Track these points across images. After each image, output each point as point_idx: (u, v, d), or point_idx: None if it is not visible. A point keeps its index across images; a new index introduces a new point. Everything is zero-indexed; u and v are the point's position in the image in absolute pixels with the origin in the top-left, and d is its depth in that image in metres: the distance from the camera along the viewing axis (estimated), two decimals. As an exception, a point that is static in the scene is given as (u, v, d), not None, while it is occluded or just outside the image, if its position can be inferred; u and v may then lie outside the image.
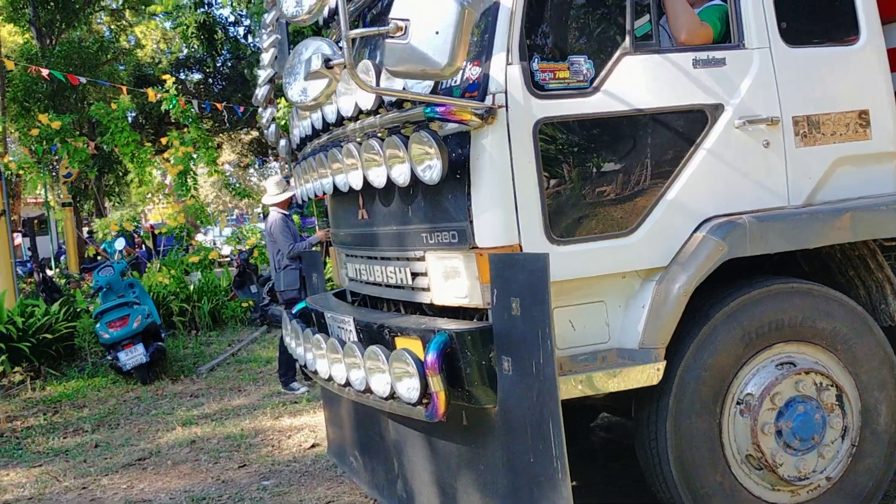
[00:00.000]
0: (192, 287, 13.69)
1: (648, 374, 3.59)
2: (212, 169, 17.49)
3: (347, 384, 4.08)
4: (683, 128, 3.75)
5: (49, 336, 10.24)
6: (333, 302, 5.09)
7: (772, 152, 3.87)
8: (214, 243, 19.15)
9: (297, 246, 8.30)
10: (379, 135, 3.84)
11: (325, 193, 4.59)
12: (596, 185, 3.65)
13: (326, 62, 3.23)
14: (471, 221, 3.56)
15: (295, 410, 7.65)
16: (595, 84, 3.62)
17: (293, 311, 5.31)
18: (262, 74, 5.17)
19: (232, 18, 17.37)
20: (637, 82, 3.67)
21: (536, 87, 3.54)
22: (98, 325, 9.60)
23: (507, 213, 3.52)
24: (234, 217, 38.13)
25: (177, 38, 26.35)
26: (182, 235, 17.62)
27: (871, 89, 4.06)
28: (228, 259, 19.32)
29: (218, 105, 19.90)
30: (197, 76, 28.53)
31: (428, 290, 3.91)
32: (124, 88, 18.78)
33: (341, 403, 5.29)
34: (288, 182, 9.10)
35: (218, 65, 27.24)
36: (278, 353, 8.49)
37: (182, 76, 26.57)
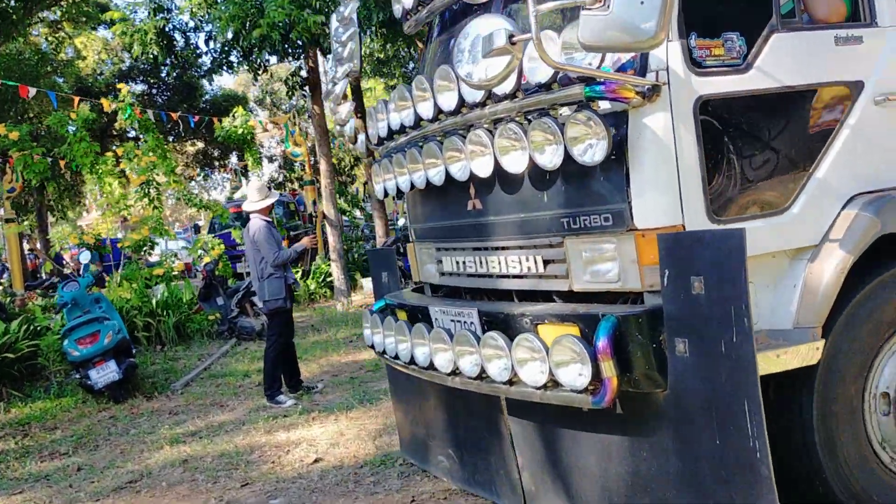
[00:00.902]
0: (155, 301, 13.29)
1: (809, 354, 3.54)
2: (171, 179, 17.05)
3: (479, 377, 3.95)
4: (829, 105, 3.74)
5: (11, 356, 9.77)
6: (426, 297, 4.95)
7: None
8: (176, 255, 18.65)
9: (282, 254, 8.04)
10: (516, 119, 3.73)
11: (422, 186, 4.45)
12: (752, 163, 3.60)
13: (510, 38, 3.12)
14: (629, 203, 3.47)
15: (288, 424, 7.38)
16: (748, 61, 3.58)
17: (372, 309, 5.14)
18: (340, 69, 5.02)
19: (192, 24, 16.85)
20: (786, 59, 3.64)
21: (695, 64, 3.49)
22: (66, 342, 9.15)
23: (670, 193, 3.44)
24: (182, 230, 37.24)
25: (119, 48, 25.67)
26: (144, 248, 17.12)
27: None
28: (189, 271, 18.92)
29: (173, 115, 19.46)
30: (140, 87, 27.85)
31: (566, 276, 3.81)
32: (76, 99, 18.22)
33: (428, 401, 5.16)
34: (270, 188, 8.87)
35: (163, 75, 26.65)
36: (265, 366, 8.20)
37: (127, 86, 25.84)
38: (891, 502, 3.79)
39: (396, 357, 4.70)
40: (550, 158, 3.58)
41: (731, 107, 3.55)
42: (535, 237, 3.94)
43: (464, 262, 4.51)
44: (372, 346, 5.11)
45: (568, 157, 3.52)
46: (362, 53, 17.86)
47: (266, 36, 14.21)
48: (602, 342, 3.34)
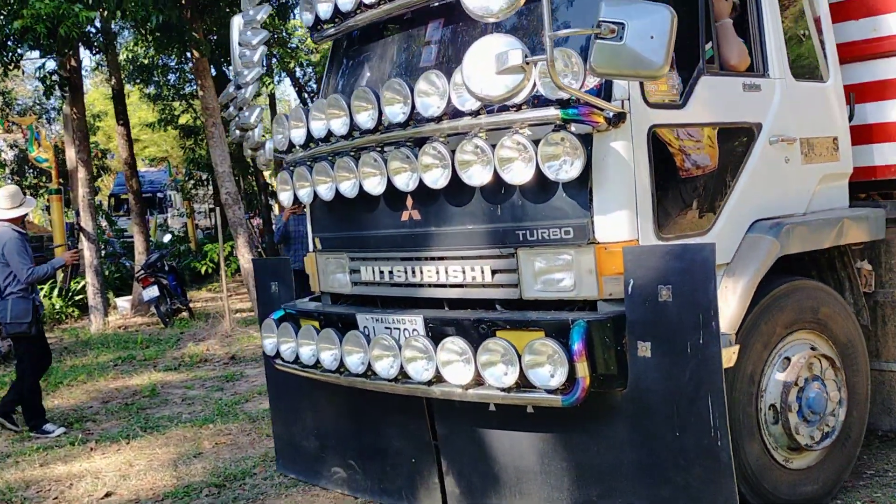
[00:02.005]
0: None
1: (727, 357, 4.04)
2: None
3: (431, 382, 4.11)
4: (739, 141, 4.34)
5: None
6: (335, 307, 5.00)
7: (789, 167, 4.58)
8: None
9: (36, 270, 7.35)
10: (480, 135, 3.96)
11: (352, 195, 4.55)
12: (685, 187, 4.10)
13: (525, 58, 3.36)
14: (591, 218, 3.83)
15: (64, 456, 6.72)
16: (684, 98, 4.08)
17: (274, 318, 5.11)
18: (250, 73, 4.99)
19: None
20: (710, 99, 4.19)
21: (647, 97, 3.92)
22: None
23: (629, 211, 3.85)
24: None
25: None
26: None
27: (838, 120, 4.95)
28: None
29: None
30: None
31: (515, 286, 4.09)
32: None
33: (328, 412, 5.20)
34: (25, 195, 8.24)
35: None
36: (22, 396, 7.43)
37: None
38: (795, 496, 4.40)
39: (314, 366, 4.72)
40: (519, 174, 3.84)
41: (670, 137, 4.03)
42: (483, 248, 4.18)
43: (391, 272, 4.63)
44: (274, 357, 5.06)
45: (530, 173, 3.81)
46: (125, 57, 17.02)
47: (29, 28, 13.17)
48: (578, 345, 3.65)
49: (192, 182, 23.70)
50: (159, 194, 25.94)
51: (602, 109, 3.71)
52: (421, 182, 4.20)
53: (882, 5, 4.99)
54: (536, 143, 3.79)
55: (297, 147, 4.93)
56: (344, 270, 4.98)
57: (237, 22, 5.27)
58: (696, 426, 3.61)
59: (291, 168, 5.01)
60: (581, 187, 3.84)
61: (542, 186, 3.90)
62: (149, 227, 17.46)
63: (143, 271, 15.03)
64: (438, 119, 4.09)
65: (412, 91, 4.13)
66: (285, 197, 5.08)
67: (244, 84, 5.08)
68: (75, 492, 5.85)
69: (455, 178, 4.08)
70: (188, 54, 16.09)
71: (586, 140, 3.79)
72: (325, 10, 4.95)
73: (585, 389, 3.68)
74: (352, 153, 4.56)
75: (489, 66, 3.45)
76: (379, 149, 4.41)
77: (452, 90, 3.97)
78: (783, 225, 4.33)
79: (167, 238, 17.30)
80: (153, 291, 14.66)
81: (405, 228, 4.50)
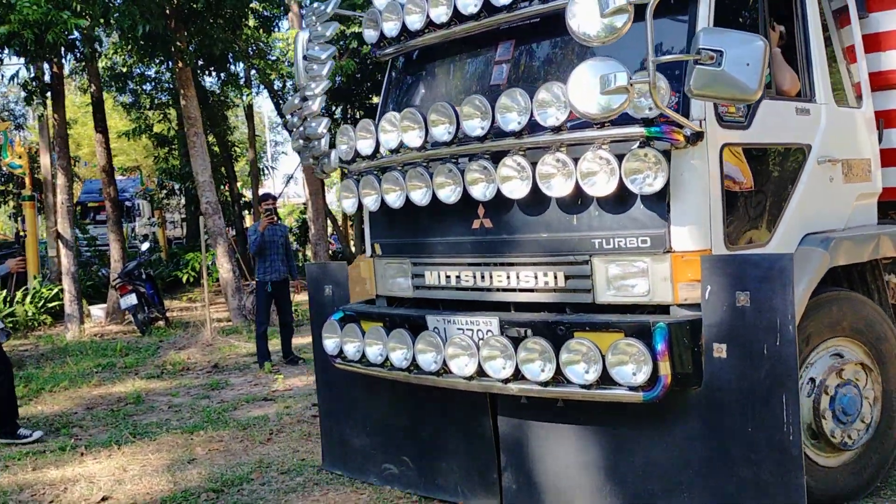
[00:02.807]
0: None
1: None
2: None
3: (507, 380, 4.34)
4: (793, 161, 4.67)
5: None
6: (400, 309, 5.20)
7: (833, 186, 4.93)
8: None
9: None
10: (562, 150, 4.23)
11: (425, 203, 4.78)
12: (749, 202, 4.40)
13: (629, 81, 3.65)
14: (668, 229, 4.11)
15: (55, 461, 6.72)
16: (749, 120, 4.39)
17: (335, 318, 5.31)
18: (318, 85, 5.20)
19: None
20: (770, 121, 4.51)
21: (719, 118, 4.23)
22: None
23: (703, 222, 4.14)
24: None
25: None
26: None
27: (871, 143, 5.32)
28: None
29: None
30: None
31: (588, 291, 4.36)
32: None
33: (382, 410, 5.41)
34: None
35: None
36: None
37: None
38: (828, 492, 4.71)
39: (381, 365, 4.92)
40: (602, 187, 4.11)
41: (738, 155, 4.33)
42: (557, 255, 4.44)
43: (458, 276, 4.86)
44: (337, 356, 5.25)
45: (613, 185, 4.08)
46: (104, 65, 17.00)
47: (15, 33, 13.13)
48: (661, 345, 3.92)
49: (164, 192, 23.59)
50: (127, 203, 25.74)
51: (682, 127, 4.00)
52: (497, 192, 4.44)
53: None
54: (618, 157, 4.06)
55: (363, 157, 5.14)
56: (405, 275, 5.19)
57: (302, 37, 5.48)
58: (770, 423, 3.90)
59: (357, 177, 5.22)
60: (659, 200, 4.12)
61: (619, 198, 4.18)
62: (123, 236, 17.33)
63: (120, 279, 14.97)
64: (519, 134, 4.34)
65: (493, 107, 4.37)
66: (348, 204, 5.29)
67: (311, 96, 5.28)
68: (71, 496, 5.87)
69: (531, 190, 4.33)
70: (169, 64, 16.16)
71: (666, 156, 4.07)
72: (391, 28, 5.18)
73: (667, 387, 3.95)
74: (424, 164, 4.78)
75: (592, 87, 3.71)
76: (454, 160, 4.64)
77: (535, 107, 4.23)
78: (831, 239, 4.66)
79: (146, 246, 17.22)
80: (131, 299, 14.62)
81: (476, 236, 4.74)
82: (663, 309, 4.23)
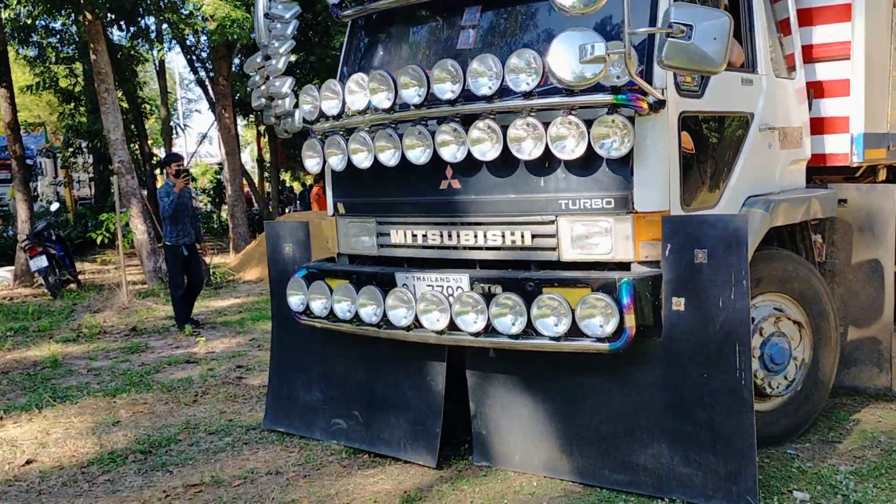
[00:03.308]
0: None
1: None
2: None
3: (479, 334, 4.59)
4: (739, 128, 5.01)
5: None
6: (368, 266, 5.35)
7: (771, 152, 5.31)
8: None
9: None
10: (532, 115, 4.45)
11: (394, 164, 4.95)
12: (701, 167, 4.73)
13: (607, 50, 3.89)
14: (631, 191, 4.40)
15: None
16: (701, 90, 4.70)
17: (299, 276, 5.44)
18: (282, 45, 5.28)
19: None
20: (719, 91, 4.82)
21: (678, 87, 4.53)
22: None
23: (663, 185, 4.45)
24: None
25: None
26: None
27: (803, 113, 5.74)
28: None
29: None
30: None
31: (553, 249, 4.63)
32: None
33: (339, 366, 5.64)
34: None
35: None
36: None
37: None
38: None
39: (349, 321, 5.10)
40: (571, 150, 4.36)
41: (692, 123, 4.64)
42: (524, 215, 4.68)
43: (424, 235, 5.06)
44: (302, 313, 5.40)
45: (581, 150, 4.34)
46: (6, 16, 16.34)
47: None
48: (627, 299, 4.22)
49: (71, 150, 22.81)
50: (29, 161, 24.77)
51: (646, 95, 4.27)
52: (468, 154, 4.64)
53: (838, 15, 5.80)
54: (586, 123, 4.31)
55: (327, 117, 5.25)
56: (369, 234, 5.36)
57: (262, -5, 5.51)
58: (724, 368, 4.25)
59: (321, 137, 5.33)
60: (623, 164, 4.40)
61: (586, 162, 4.43)
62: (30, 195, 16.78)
63: (29, 241, 14.54)
64: (490, 98, 4.54)
65: (464, 71, 4.56)
66: (312, 164, 5.41)
67: (275, 55, 5.34)
68: (-10, 461, 5.76)
69: (501, 152, 4.55)
70: (76, 16, 15.62)
71: (631, 122, 4.34)
72: None
73: (631, 337, 4.26)
74: (393, 125, 4.94)
75: (572, 56, 3.94)
76: (423, 122, 4.81)
77: (506, 73, 4.43)
78: (771, 201, 5.04)
79: (55, 207, 16.70)
80: (41, 261, 14.26)
81: (444, 196, 4.93)
82: (624, 266, 4.52)
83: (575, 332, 4.36)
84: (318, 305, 5.30)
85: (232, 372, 8.04)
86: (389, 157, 4.97)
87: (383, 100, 4.90)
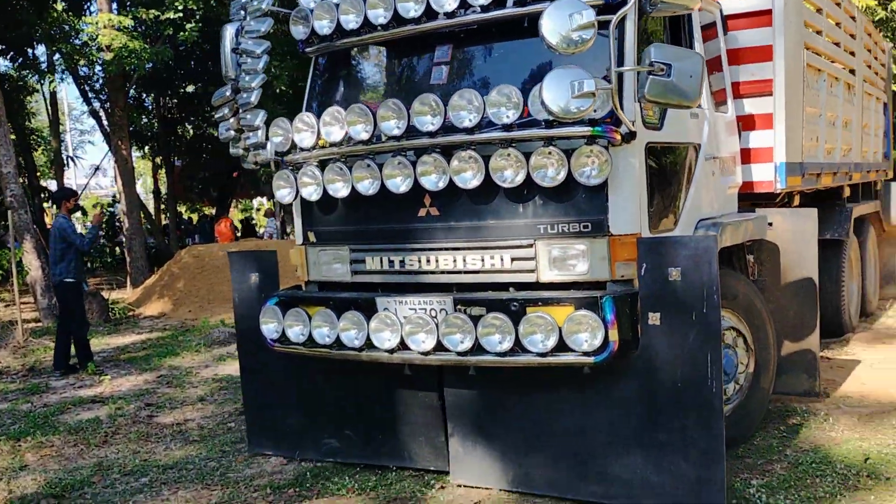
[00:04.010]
0: None
1: None
2: None
3: (467, 353, 4.84)
4: (689, 157, 5.47)
5: None
6: (346, 293, 5.51)
7: (714, 179, 5.80)
8: None
9: None
10: (512, 146, 4.76)
11: (371, 193, 5.18)
12: (663, 192, 5.14)
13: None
14: (606, 215, 4.76)
15: None
16: (660, 122, 5.12)
17: (271, 304, 5.56)
18: (253, 79, 5.45)
19: None
20: (674, 124, 5.26)
21: (642, 119, 4.93)
22: None
23: (635, 210, 4.83)
24: None
25: None
26: None
27: (735, 144, 6.27)
28: None
29: None
30: None
31: (532, 271, 4.94)
32: None
33: (326, 388, 5.78)
34: None
35: None
36: None
37: None
38: None
39: (329, 346, 5.26)
40: (551, 178, 4.69)
41: (654, 152, 5.05)
42: (503, 239, 4.98)
43: (402, 261, 5.28)
44: (277, 340, 5.52)
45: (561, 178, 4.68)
46: None
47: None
48: (611, 316, 4.56)
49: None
50: None
51: (619, 127, 4.65)
52: (449, 183, 4.91)
53: (761, 55, 6.39)
54: (566, 153, 4.66)
55: (300, 149, 5.43)
56: (342, 261, 5.54)
57: (230, 31, 5.65)
58: (696, 379, 4.61)
59: (293, 168, 5.50)
60: (599, 191, 4.75)
61: (563, 189, 4.77)
62: None
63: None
64: (470, 130, 4.83)
65: (445, 105, 4.84)
66: (284, 194, 5.56)
67: (246, 89, 5.48)
68: None
69: (483, 181, 4.84)
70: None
71: (607, 152, 4.69)
72: (323, 26, 5.49)
73: (615, 351, 4.59)
74: (371, 156, 5.16)
75: (563, 91, 4.28)
76: (402, 153, 5.06)
77: (488, 106, 4.74)
78: (719, 224, 5.51)
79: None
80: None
81: (422, 223, 5.18)
82: (599, 285, 4.86)
83: (561, 347, 4.66)
84: (294, 332, 5.43)
85: (142, 410, 7.90)
86: (368, 187, 5.18)
87: (361, 132, 5.12)
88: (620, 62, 4.78)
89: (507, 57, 5.26)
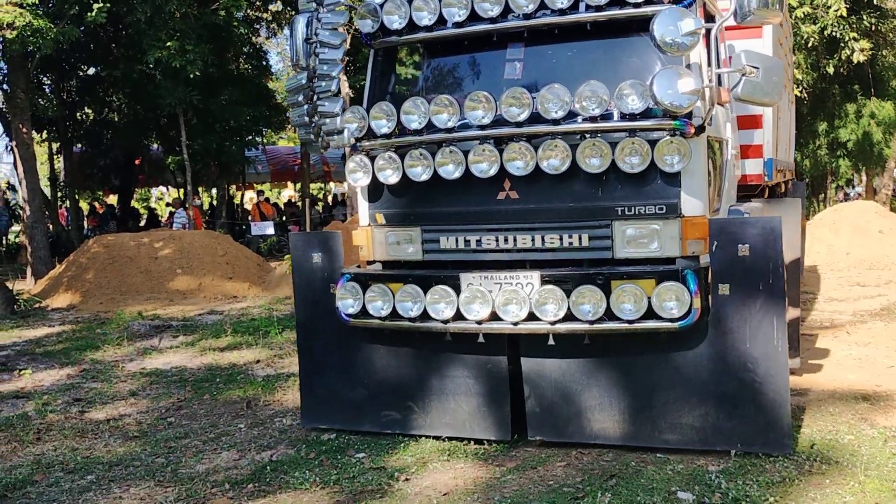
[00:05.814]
0: None
1: None
2: None
3: (559, 321, 5.34)
4: (723, 149, 6.17)
5: None
6: (428, 270, 5.88)
7: (734, 170, 6.53)
8: None
9: None
10: (599, 136, 5.31)
11: (456, 177, 5.61)
12: (713, 179, 5.80)
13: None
14: (679, 199, 5.38)
15: None
16: (708, 119, 5.77)
17: (345, 281, 5.87)
18: (333, 69, 5.78)
19: None
20: (716, 119, 5.93)
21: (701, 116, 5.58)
22: None
23: (704, 194, 5.47)
24: None
25: None
26: None
27: (737, 140, 7.05)
28: None
29: None
30: None
31: (608, 249, 5.50)
32: None
33: (391, 363, 6.10)
34: None
35: None
36: None
37: None
38: None
39: (416, 318, 5.62)
40: (636, 166, 5.27)
41: (707, 144, 5.70)
42: (582, 221, 5.50)
43: (478, 241, 5.71)
44: (358, 315, 5.84)
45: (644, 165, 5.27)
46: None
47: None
48: (695, 286, 5.18)
49: None
50: None
51: (691, 120, 5.28)
52: (536, 168, 5.40)
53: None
54: (650, 143, 5.25)
55: (377, 136, 5.77)
56: (411, 242, 5.91)
57: (301, 21, 5.89)
58: (763, 339, 5.27)
59: (366, 153, 5.85)
60: (674, 177, 5.36)
61: (641, 175, 5.35)
62: None
63: None
64: (556, 121, 5.34)
65: (533, 98, 5.32)
66: (360, 178, 5.88)
67: (325, 77, 5.76)
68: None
69: (569, 167, 5.36)
70: None
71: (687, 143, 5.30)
72: (393, 21, 5.85)
73: (699, 317, 5.21)
74: (454, 143, 5.57)
75: (673, 87, 4.87)
76: (488, 141, 5.49)
77: (574, 100, 5.26)
78: (742, 209, 6.25)
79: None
80: None
81: (502, 205, 5.63)
82: (669, 261, 5.46)
83: (648, 314, 5.23)
84: (375, 306, 5.77)
85: (71, 406, 7.67)
86: (452, 171, 5.59)
87: (445, 120, 5.54)
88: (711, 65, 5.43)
89: (578, 56, 5.78)
